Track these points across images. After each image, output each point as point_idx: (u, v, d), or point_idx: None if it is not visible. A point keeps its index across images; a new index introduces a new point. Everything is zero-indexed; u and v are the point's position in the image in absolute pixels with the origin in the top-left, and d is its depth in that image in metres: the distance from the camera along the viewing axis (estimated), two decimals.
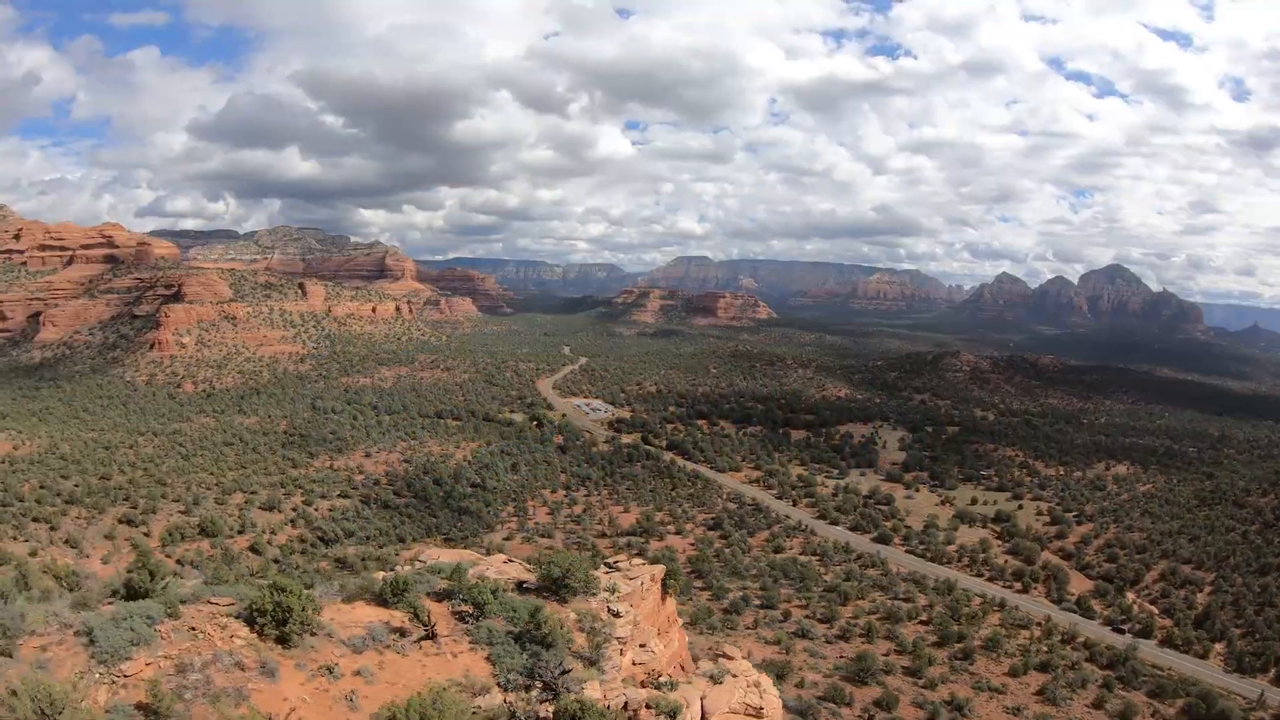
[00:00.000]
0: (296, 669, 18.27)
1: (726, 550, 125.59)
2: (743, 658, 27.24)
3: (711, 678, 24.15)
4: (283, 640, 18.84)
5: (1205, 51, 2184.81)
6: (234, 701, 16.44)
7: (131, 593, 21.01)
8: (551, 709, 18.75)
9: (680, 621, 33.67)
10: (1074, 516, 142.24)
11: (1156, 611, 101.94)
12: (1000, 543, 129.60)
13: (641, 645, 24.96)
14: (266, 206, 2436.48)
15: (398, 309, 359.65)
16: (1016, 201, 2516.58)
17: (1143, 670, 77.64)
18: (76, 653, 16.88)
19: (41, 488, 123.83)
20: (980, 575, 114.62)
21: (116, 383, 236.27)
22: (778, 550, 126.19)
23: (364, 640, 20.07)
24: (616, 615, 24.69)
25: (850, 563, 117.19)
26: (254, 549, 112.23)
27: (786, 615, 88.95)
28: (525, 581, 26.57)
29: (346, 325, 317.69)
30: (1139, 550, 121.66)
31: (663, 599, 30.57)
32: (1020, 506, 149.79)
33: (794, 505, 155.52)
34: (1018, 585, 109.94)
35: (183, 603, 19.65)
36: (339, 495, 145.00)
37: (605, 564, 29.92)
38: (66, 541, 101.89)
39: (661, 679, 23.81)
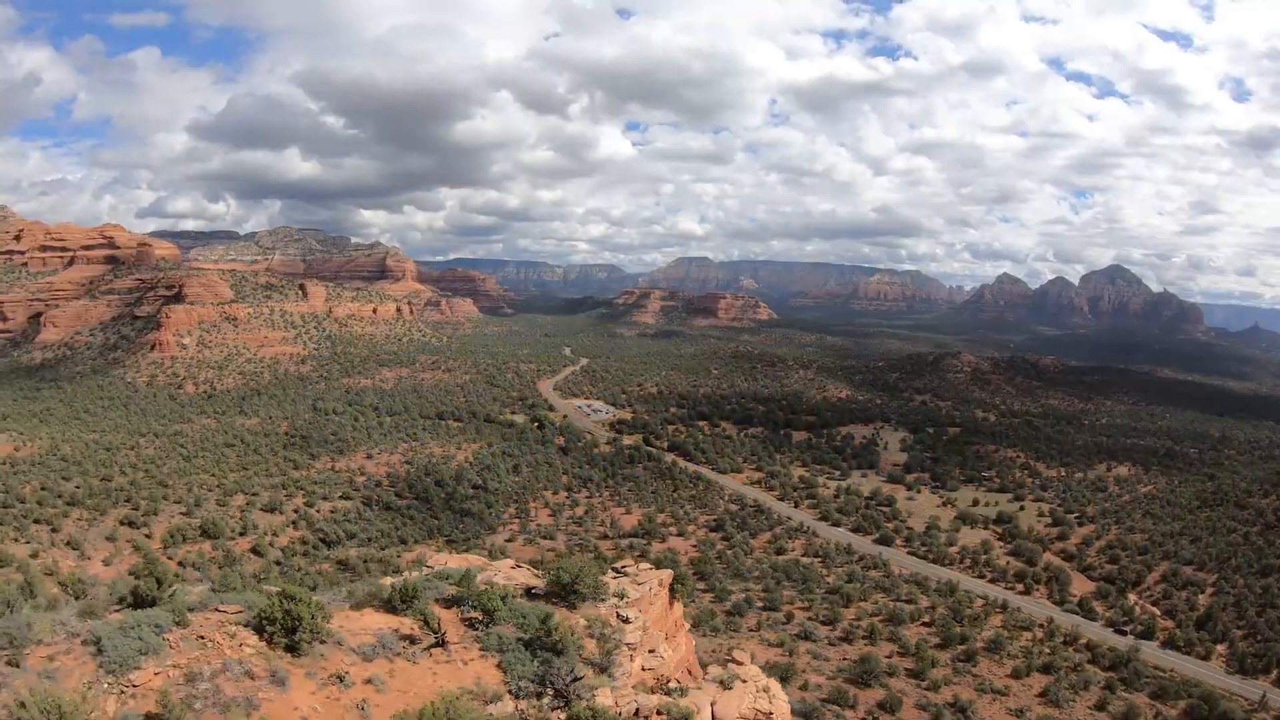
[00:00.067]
0: (307, 677, 18.13)
1: (729, 552, 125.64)
2: (751, 662, 27.11)
3: (721, 683, 23.97)
4: (292, 648, 18.69)
5: (1205, 52, 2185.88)
6: (244, 711, 16.32)
7: (139, 600, 20.85)
8: (564, 716, 18.65)
9: (686, 625, 33.54)
10: (1075, 518, 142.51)
11: (1158, 613, 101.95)
12: (1002, 544, 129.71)
13: (651, 651, 24.82)
14: (267, 207, 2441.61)
15: (399, 310, 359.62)
16: (1017, 202, 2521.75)
17: (1145, 672, 77.82)
18: (85, 662, 16.75)
19: (43, 489, 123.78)
20: (982, 577, 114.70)
21: (117, 384, 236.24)
22: (780, 552, 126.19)
23: (374, 648, 19.93)
24: (626, 621, 24.52)
25: (852, 564, 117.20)
26: (256, 551, 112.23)
27: (789, 617, 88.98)
28: (534, 587, 26.41)
29: (347, 326, 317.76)
30: (1141, 551, 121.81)
31: (670, 603, 30.39)
32: (1022, 508, 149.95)
33: (796, 507, 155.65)
34: (1020, 587, 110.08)
35: (191, 611, 19.50)
36: (340, 497, 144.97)
37: (613, 568, 29.70)
38: (68, 543, 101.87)
39: (671, 685, 23.66)
